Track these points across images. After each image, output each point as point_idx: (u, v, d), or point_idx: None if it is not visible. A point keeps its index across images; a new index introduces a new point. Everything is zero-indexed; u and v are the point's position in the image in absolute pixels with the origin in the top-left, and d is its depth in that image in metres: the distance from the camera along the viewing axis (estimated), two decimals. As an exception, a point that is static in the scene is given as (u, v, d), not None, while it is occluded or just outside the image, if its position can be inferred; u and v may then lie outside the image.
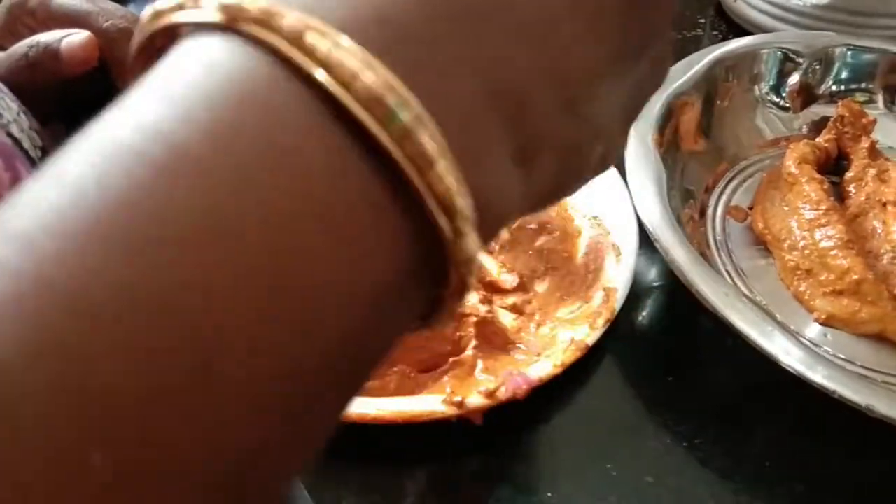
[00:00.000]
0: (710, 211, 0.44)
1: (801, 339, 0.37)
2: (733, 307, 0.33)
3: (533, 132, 0.15)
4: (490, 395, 0.32)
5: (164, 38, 0.14)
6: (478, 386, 0.32)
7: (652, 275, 0.41)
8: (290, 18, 0.12)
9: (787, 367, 0.31)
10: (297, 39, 0.12)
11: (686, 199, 0.43)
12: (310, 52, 0.12)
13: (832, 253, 0.39)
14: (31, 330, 0.10)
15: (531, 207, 0.17)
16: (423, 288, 0.14)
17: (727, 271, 0.41)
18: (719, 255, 0.42)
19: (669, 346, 0.38)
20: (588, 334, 0.34)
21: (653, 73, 0.19)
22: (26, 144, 0.35)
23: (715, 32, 0.57)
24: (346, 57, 0.12)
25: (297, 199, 0.12)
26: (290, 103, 0.12)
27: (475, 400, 0.31)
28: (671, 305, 0.40)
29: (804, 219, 0.40)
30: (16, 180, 0.30)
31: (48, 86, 0.42)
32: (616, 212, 0.40)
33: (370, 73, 0.12)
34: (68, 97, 0.44)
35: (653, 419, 0.35)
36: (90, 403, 0.10)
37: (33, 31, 0.43)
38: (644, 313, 0.39)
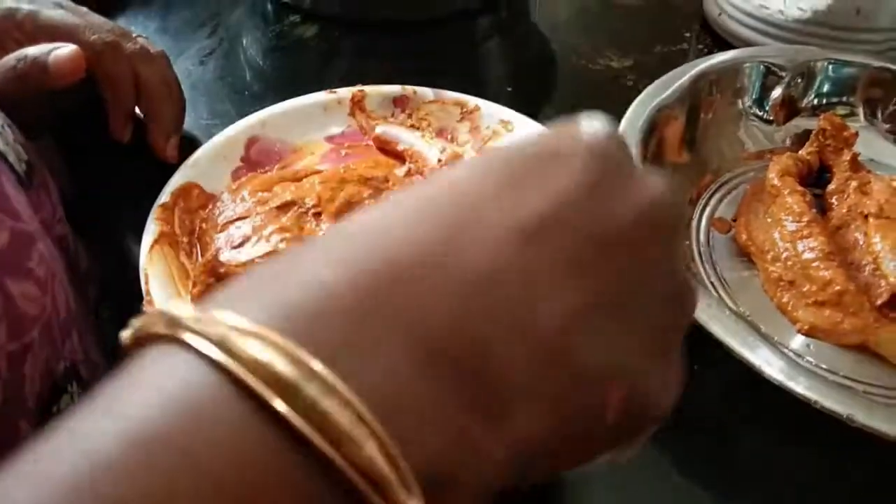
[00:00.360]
0: (694, 223, 0.44)
1: (784, 349, 0.37)
2: (717, 318, 0.33)
3: (498, 385, 0.15)
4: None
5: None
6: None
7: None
8: (209, 321, 0.14)
9: (769, 378, 0.31)
10: (222, 342, 0.14)
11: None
12: (233, 353, 0.13)
13: (814, 264, 0.39)
14: None
15: (529, 467, 0.16)
16: None
17: (711, 283, 0.41)
18: (703, 267, 0.42)
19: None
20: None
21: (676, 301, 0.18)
22: (11, 158, 0.35)
23: (700, 46, 0.58)
24: (250, 345, 0.13)
25: (222, 479, 0.12)
26: (213, 398, 0.13)
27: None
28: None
29: (787, 230, 0.41)
30: (2, 199, 0.30)
31: (36, 98, 0.42)
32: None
33: (268, 352, 0.13)
34: (56, 109, 0.44)
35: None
36: None
37: (21, 44, 0.43)
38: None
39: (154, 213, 0.40)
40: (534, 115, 0.47)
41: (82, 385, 0.33)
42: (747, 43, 0.56)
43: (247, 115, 0.50)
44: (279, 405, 0.13)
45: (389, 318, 0.14)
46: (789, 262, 0.40)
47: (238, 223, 0.40)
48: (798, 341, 0.38)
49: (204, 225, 0.41)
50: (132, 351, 0.15)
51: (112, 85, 0.44)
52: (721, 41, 0.58)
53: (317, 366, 0.13)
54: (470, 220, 0.16)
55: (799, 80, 0.48)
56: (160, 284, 0.36)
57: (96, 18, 0.45)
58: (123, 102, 0.44)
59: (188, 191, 0.42)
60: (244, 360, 0.13)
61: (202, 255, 0.39)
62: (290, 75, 0.56)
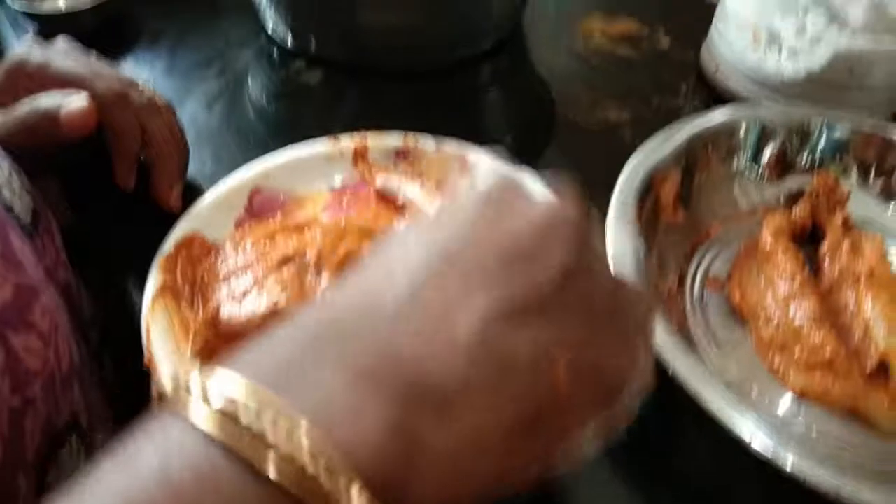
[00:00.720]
0: (688, 280, 0.45)
1: (774, 414, 0.38)
2: (707, 385, 0.34)
3: (433, 387, 0.19)
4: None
5: None
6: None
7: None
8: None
9: (756, 454, 0.31)
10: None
11: (664, 268, 0.44)
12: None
13: (805, 328, 0.40)
14: None
15: (504, 459, 0.20)
16: None
17: (704, 343, 0.42)
18: (696, 327, 0.42)
19: (646, 417, 0.39)
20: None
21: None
22: (17, 209, 0.35)
23: (695, 101, 0.59)
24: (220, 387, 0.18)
25: None
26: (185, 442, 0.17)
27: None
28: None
29: (779, 292, 0.42)
30: (6, 250, 0.31)
31: (45, 149, 0.42)
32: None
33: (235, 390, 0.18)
34: (62, 156, 0.45)
35: (631, 494, 0.35)
36: None
37: (31, 92, 0.44)
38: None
39: (157, 264, 0.40)
40: (532, 166, 0.47)
41: (81, 436, 0.33)
42: (742, 98, 0.57)
43: (250, 160, 0.51)
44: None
45: (323, 353, 0.19)
46: (781, 325, 0.41)
47: (240, 275, 0.40)
48: (789, 404, 0.39)
49: (206, 276, 0.41)
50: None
51: (119, 136, 0.45)
52: (717, 95, 0.59)
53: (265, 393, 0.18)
54: (396, 258, 0.21)
55: (793, 139, 0.49)
56: (161, 338, 0.37)
57: (106, 70, 0.46)
58: (129, 152, 0.45)
59: (190, 241, 0.43)
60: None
61: (203, 307, 0.40)
62: (294, 121, 0.57)
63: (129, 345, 0.46)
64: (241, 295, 0.39)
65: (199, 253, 0.43)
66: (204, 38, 0.63)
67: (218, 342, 0.37)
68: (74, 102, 0.42)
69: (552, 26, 0.68)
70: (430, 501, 0.18)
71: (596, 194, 0.44)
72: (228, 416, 0.17)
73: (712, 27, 0.60)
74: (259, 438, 0.17)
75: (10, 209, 0.34)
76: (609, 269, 0.24)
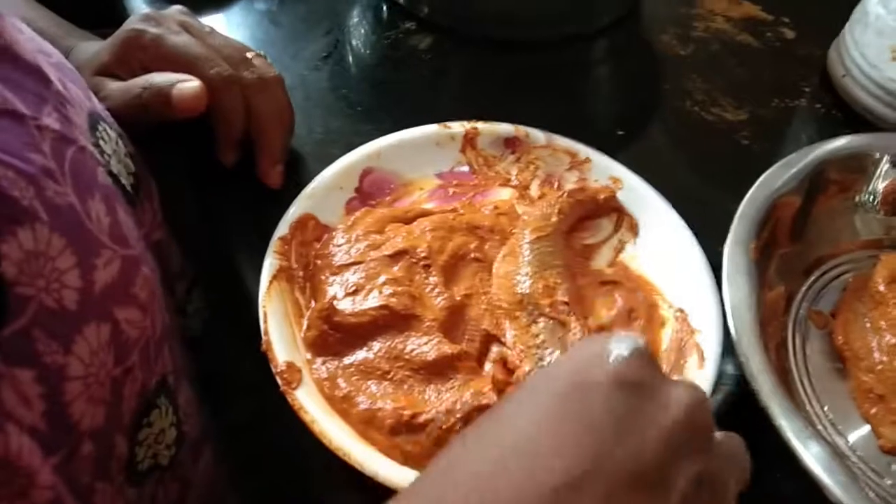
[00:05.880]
0: (793, 311, 0.44)
1: (868, 476, 0.38)
2: (806, 445, 0.34)
3: None
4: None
5: None
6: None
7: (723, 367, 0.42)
8: None
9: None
10: None
11: (775, 290, 0.43)
12: None
13: (909, 383, 0.40)
14: None
15: None
16: None
17: (800, 379, 0.42)
18: (795, 361, 0.42)
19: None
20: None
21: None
22: (123, 178, 0.37)
23: (818, 105, 0.56)
24: None
25: None
26: None
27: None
28: (740, 408, 0.41)
29: (885, 342, 0.41)
30: (114, 224, 0.32)
31: (154, 124, 0.43)
32: (701, 308, 0.41)
33: None
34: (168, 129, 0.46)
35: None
36: None
37: (143, 65, 0.44)
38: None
39: (273, 245, 0.42)
40: (645, 165, 0.47)
41: (168, 396, 0.35)
42: (867, 109, 0.54)
43: (357, 133, 0.51)
44: None
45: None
46: (883, 376, 0.40)
47: (352, 268, 0.41)
48: (879, 457, 0.39)
49: (318, 261, 0.42)
50: None
51: (225, 118, 0.45)
52: (840, 102, 0.56)
53: None
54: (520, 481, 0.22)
55: (919, 172, 0.47)
56: (278, 325, 0.39)
57: (218, 40, 0.46)
58: (233, 133, 0.46)
59: (304, 222, 0.43)
60: None
61: (313, 293, 0.41)
62: (400, 87, 0.56)
63: (215, 294, 0.49)
64: (353, 289, 0.41)
65: (312, 235, 0.44)
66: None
67: (329, 334, 0.39)
68: (187, 85, 0.42)
69: (672, 4, 0.65)
70: None
71: (714, 198, 0.43)
72: None
73: (846, 27, 0.57)
74: None
75: (117, 179, 0.35)
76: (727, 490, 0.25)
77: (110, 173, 0.35)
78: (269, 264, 0.41)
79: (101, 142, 0.35)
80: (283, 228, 0.43)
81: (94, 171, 0.32)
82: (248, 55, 0.46)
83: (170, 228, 0.43)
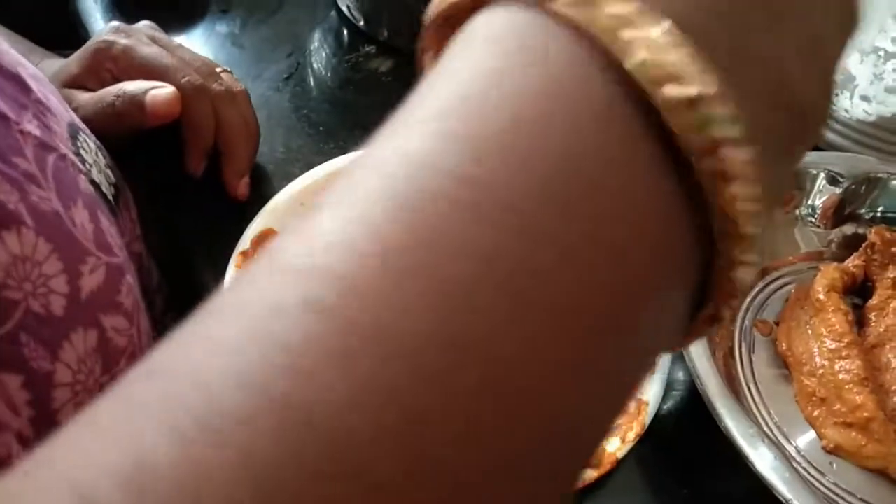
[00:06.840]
0: (739, 318, 0.46)
1: (806, 462, 0.40)
2: (754, 446, 0.36)
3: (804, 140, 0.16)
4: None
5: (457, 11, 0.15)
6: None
7: (675, 375, 0.43)
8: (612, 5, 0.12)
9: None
10: (614, 29, 0.12)
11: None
12: (629, 45, 0.12)
13: (847, 386, 0.41)
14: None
15: None
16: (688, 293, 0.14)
17: (747, 385, 0.44)
18: (742, 368, 0.44)
19: (687, 457, 0.41)
20: (619, 447, 0.37)
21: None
22: (104, 187, 0.37)
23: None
24: (667, 54, 0.12)
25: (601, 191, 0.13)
26: (596, 92, 0.13)
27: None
28: (692, 413, 0.43)
29: (825, 348, 0.43)
30: (98, 231, 0.33)
31: (127, 133, 0.44)
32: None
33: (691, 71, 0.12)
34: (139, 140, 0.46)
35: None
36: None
37: (114, 76, 0.45)
38: (665, 424, 0.42)
39: (234, 260, 0.42)
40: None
41: None
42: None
43: (319, 152, 0.52)
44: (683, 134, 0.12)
45: (761, 47, 0.14)
46: (824, 380, 0.42)
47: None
48: (822, 457, 0.41)
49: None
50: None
51: (194, 127, 0.46)
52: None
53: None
54: None
55: (855, 189, 0.50)
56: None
57: (187, 54, 0.47)
58: (202, 142, 0.46)
59: (266, 237, 0.44)
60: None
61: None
62: (363, 108, 0.57)
63: (191, 310, 0.49)
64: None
65: (273, 250, 0.44)
66: (274, 16, 0.63)
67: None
68: (160, 91, 0.43)
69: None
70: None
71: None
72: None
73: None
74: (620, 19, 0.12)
75: (98, 188, 0.36)
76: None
77: (92, 182, 0.35)
78: (232, 278, 0.41)
79: (81, 151, 0.35)
80: (244, 243, 0.43)
81: (76, 178, 0.33)
82: (217, 69, 0.47)
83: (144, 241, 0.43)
